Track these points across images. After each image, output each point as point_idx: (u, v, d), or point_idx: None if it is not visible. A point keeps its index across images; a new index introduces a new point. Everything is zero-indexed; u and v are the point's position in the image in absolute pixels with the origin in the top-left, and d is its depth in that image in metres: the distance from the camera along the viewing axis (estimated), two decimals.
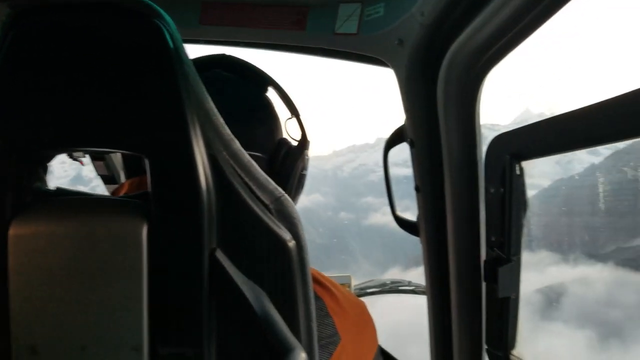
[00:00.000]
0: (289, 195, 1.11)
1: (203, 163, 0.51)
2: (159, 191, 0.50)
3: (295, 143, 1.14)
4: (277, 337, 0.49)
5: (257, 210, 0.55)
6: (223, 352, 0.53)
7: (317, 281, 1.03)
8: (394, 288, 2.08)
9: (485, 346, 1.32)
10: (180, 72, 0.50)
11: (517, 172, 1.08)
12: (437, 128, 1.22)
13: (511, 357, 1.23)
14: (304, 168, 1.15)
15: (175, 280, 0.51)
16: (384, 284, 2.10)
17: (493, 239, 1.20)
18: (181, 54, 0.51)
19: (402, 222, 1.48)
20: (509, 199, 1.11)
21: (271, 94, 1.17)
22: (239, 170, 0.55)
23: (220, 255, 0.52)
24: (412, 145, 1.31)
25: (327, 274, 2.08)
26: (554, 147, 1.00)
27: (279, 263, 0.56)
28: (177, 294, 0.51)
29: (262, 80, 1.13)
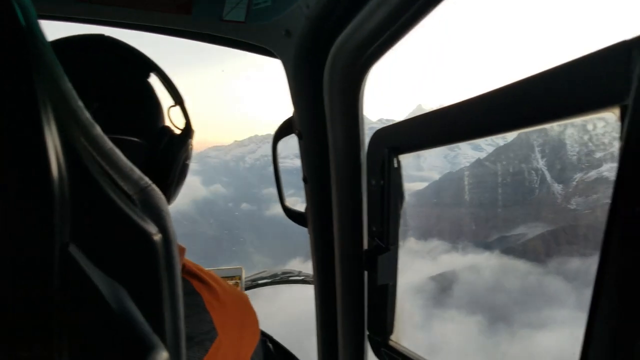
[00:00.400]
0: (170, 185, 1.10)
1: (55, 149, 0.48)
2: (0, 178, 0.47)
3: (178, 132, 1.12)
4: (136, 336, 0.49)
5: (118, 202, 0.53)
6: (77, 355, 0.51)
7: (196, 276, 1.03)
8: (284, 278, 2.14)
9: (366, 332, 1.42)
10: (33, 50, 0.47)
11: (395, 165, 1.16)
12: (324, 120, 1.27)
13: (389, 342, 1.33)
14: (188, 158, 1.13)
15: (21, 278, 0.48)
16: (275, 275, 2.15)
17: (374, 228, 1.28)
18: (35, 30, 0.48)
19: (290, 213, 1.52)
20: (387, 191, 1.19)
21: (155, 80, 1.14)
22: (98, 158, 0.53)
23: (73, 250, 0.50)
24: (300, 137, 1.35)
25: (221, 266, 2.05)
26: (427, 141, 1.08)
27: (142, 258, 0.54)
28: (23, 294, 0.48)
29: (144, 64, 1.10)
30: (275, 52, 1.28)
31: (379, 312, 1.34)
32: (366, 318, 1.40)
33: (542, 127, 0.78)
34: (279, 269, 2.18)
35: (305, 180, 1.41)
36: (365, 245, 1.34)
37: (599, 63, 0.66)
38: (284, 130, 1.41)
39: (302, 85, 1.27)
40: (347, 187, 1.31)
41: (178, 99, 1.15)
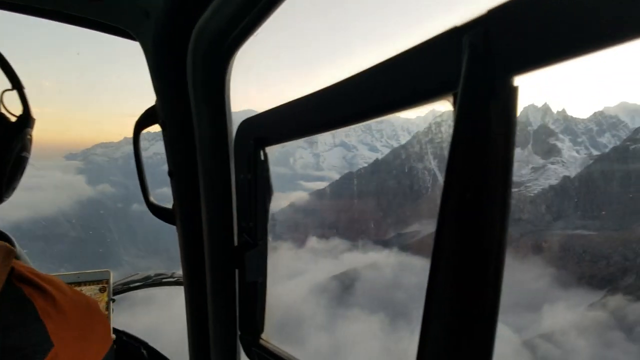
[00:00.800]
0: (2, 179, 0.98)
1: None
2: None
3: (13, 119, 1.03)
4: None
5: None
6: None
7: (29, 282, 0.92)
8: (157, 280, 2.05)
9: (238, 332, 1.38)
10: None
11: (262, 157, 1.14)
12: (189, 109, 1.21)
13: (260, 341, 1.31)
14: (25, 149, 1.03)
15: None
16: (147, 277, 2.05)
17: (243, 224, 1.25)
18: None
19: (156, 210, 1.43)
20: (255, 185, 1.16)
21: None
22: None
23: None
24: (163, 127, 1.28)
25: (89, 269, 1.88)
26: (292, 132, 1.07)
27: None
28: None
29: None
30: (133, 34, 1.20)
31: (249, 310, 1.32)
32: (238, 317, 1.37)
33: (387, 116, 0.79)
34: (152, 271, 2.09)
35: (170, 174, 1.33)
36: (237, 242, 1.31)
37: (436, 50, 0.67)
38: (147, 119, 1.33)
39: (164, 71, 1.20)
40: (216, 181, 1.27)
41: (16, 83, 1.05)
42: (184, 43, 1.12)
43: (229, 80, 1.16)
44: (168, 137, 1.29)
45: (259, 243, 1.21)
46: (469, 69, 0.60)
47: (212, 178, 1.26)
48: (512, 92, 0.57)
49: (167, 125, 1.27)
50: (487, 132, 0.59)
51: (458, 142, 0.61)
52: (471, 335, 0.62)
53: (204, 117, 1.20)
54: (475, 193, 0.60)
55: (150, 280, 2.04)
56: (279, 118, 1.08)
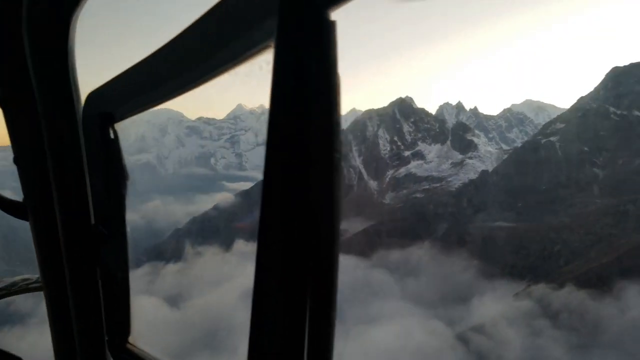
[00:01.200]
0: None
1: None
2: None
3: None
4: None
5: None
6: None
7: None
8: (23, 287, 1.86)
9: (106, 337, 1.25)
10: None
11: (112, 135, 1.03)
12: (30, 83, 1.07)
13: (127, 345, 1.19)
14: None
15: None
16: (13, 284, 1.85)
17: (100, 214, 1.13)
18: None
19: (4, 204, 1.27)
20: (106, 168, 1.05)
21: None
22: None
23: None
24: (4, 107, 1.13)
25: None
26: (139, 102, 0.96)
27: None
28: None
29: None
30: None
31: (114, 311, 1.20)
32: (104, 319, 1.24)
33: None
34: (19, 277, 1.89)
35: (16, 161, 1.18)
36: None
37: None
38: None
39: None
40: (67, 167, 1.12)
41: None
42: (17, 7, 0.98)
43: (73, 47, 1.03)
44: (10, 117, 1.13)
45: (116, 234, 1.10)
46: (283, 9, 0.55)
47: (62, 163, 1.12)
48: (330, 27, 0.53)
49: (7, 104, 1.11)
50: (308, 71, 0.53)
51: (279, 86, 0.55)
52: (305, 334, 0.57)
53: (47, 93, 1.06)
54: (300, 138, 0.55)
55: (17, 287, 1.84)
56: (124, 87, 0.97)
